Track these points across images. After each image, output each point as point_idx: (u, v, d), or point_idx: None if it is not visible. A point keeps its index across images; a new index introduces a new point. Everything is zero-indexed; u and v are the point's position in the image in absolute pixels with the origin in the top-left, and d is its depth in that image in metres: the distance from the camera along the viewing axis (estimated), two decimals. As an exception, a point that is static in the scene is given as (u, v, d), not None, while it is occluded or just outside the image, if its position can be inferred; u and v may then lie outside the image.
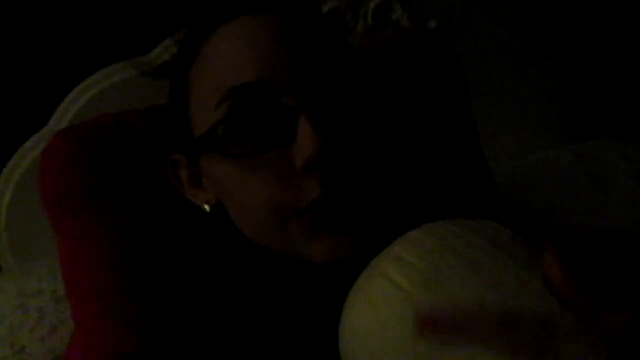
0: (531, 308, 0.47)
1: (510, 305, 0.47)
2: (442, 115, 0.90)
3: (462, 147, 0.90)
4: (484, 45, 1.14)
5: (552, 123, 1.23)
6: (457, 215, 0.57)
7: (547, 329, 0.45)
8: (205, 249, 0.71)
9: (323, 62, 0.63)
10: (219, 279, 0.67)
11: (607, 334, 0.46)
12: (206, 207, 0.68)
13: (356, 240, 0.61)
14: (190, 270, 0.70)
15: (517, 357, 0.44)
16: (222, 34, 0.64)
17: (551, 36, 1.19)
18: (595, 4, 1.20)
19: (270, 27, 0.63)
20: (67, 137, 0.77)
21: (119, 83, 0.98)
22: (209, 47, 0.65)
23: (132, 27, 1.02)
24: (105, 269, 0.72)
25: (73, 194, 0.74)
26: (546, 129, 1.23)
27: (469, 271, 0.49)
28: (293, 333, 0.62)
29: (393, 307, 0.50)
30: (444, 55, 0.94)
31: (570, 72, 1.24)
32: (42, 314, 0.90)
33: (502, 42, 1.15)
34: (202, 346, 0.63)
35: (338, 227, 0.61)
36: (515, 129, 1.20)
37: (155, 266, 0.72)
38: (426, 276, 0.50)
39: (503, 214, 0.80)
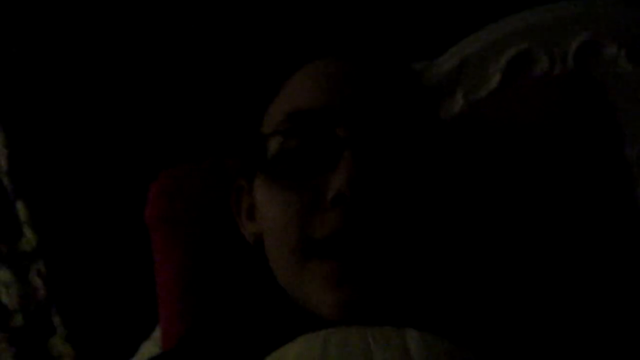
0: None
1: None
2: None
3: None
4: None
5: None
6: None
7: None
8: (245, 284, 0.76)
9: (381, 104, 0.64)
10: (245, 316, 0.70)
11: None
12: (251, 239, 0.72)
13: (370, 296, 0.60)
14: (230, 300, 0.76)
15: None
16: (301, 72, 0.68)
17: None
18: None
19: (339, 66, 0.66)
20: (169, 174, 0.88)
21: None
22: (288, 83, 0.69)
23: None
24: (176, 277, 0.83)
25: (162, 219, 0.86)
26: None
27: None
28: None
29: None
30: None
31: None
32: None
33: None
34: None
35: (355, 278, 0.60)
36: None
37: (209, 284, 0.81)
38: None
39: None
